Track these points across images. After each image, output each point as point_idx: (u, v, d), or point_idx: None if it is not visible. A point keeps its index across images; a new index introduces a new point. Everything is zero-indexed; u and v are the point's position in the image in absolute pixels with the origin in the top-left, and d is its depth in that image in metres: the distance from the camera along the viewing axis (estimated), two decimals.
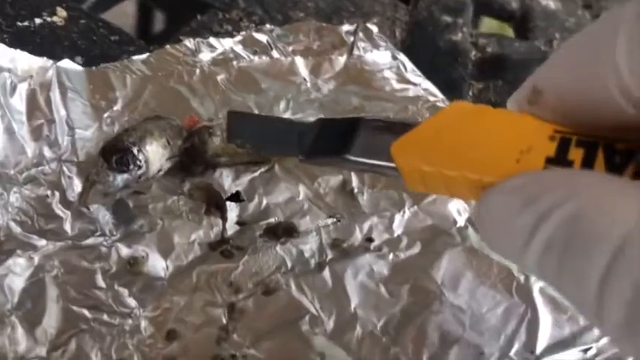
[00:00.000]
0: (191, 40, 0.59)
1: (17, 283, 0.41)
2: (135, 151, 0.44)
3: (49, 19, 0.58)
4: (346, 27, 0.63)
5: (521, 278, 0.46)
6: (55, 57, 0.53)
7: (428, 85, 0.59)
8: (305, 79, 0.59)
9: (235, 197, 0.48)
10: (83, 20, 0.59)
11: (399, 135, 0.29)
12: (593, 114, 0.24)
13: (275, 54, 0.60)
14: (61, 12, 0.59)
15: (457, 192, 0.28)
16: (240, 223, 0.47)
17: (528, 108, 0.26)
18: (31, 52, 0.52)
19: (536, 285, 0.46)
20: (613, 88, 0.23)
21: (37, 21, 0.58)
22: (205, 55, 0.58)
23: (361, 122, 0.31)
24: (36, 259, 0.42)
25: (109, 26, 0.60)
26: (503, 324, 0.44)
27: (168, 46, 0.58)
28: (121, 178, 0.44)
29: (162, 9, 0.78)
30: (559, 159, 0.24)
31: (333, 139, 0.32)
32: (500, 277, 0.46)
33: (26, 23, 0.57)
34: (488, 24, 0.81)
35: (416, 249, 0.47)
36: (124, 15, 0.81)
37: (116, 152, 0.43)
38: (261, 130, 0.36)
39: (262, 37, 0.61)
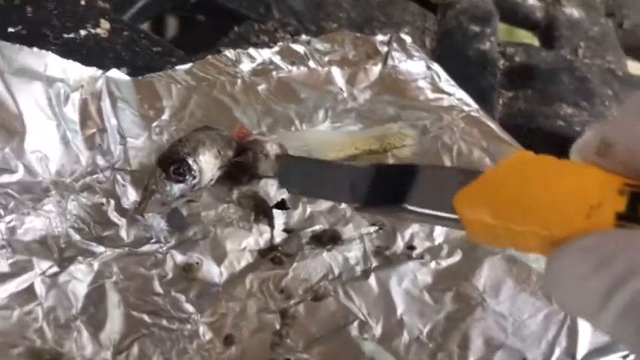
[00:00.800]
0: (231, 50, 0.60)
1: (80, 288, 0.42)
2: (190, 161, 0.46)
3: (93, 30, 0.60)
4: (380, 37, 0.65)
5: None
6: (102, 68, 0.54)
7: (462, 94, 0.61)
8: (342, 89, 0.61)
9: (281, 205, 0.50)
10: (126, 32, 0.61)
11: (458, 184, 0.28)
12: None
13: (312, 64, 0.62)
14: (105, 24, 0.61)
15: (524, 246, 0.27)
16: (287, 230, 0.49)
17: (596, 160, 0.25)
18: (79, 63, 0.54)
19: None
20: None
21: (82, 33, 0.59)
22: (246, 66, 0.60)
23: (419, 170, 0.31)
24: (95, 266, 0.44)
25: (150, 38, 0.61)
26: (544, 330, 0.45)
27: (209, 57, 0.59)
28: (177, 188, 0.45)
29: (174, 16, 0.79)
30: (630, 215, 0.24)
31: (390, 188, 0.31)
32: (540, 285, 0.48)
33: (72, 35, 0.59)
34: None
35: (457, 257, 0.49)
36: None
37: (173, 163, 0.45)
38: (311, 176, 0.35)
39: (299, 48, 0.62)
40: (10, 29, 0.58)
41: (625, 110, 0.26)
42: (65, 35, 0.59)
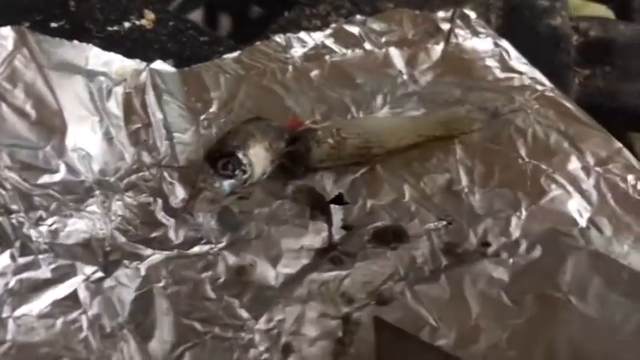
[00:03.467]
0: (281, 35, 0.57)
1: (126, 295, 0.39)
2: (240, 155, 0.42)
3: (137, 22, 0.58)
4: (442, 14, 0.60)
5: None
6: (147, 60, 0.51)
7: (535, 73, 0.55)
8: (401, 72, 0.56)
9: (339, 200, 0.46)
10: (172, 22, 0.58)
11: None
12: None
13: (368, 46, 0.57)
14: (149, 15, 0.58)
15: None
16: (346, 227, 0.45)
17: None
18: (124, 56, 0.51)
19: None
20: None
21: (127, 25, 0.57)
22: (297, 51, 0.56)
23: None
24: (142, 270, 0.41)
25: (197, 27, 0.59)
26: None
27: (258, 43, 0.56)
28: (227, 184, 0.42)
29: (227, 12, 0.76)
30: None
31: None
32: (633, 284, 0.42)
33: (116, 27, 0.57)
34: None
35: (536, 253, 0.44)
36: None
37: (221, 157, 0.42)
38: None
39: (354, 29, 0.58)
40: (53, 24, 0.57)
41: None
42: (109, 28, 0.57)
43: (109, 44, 0.54)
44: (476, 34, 0.58)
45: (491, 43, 0.57)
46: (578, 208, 0.46)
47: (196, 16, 0.80)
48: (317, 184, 0.47)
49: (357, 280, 0.42)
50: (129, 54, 0.52)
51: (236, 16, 0.74)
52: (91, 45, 0.49)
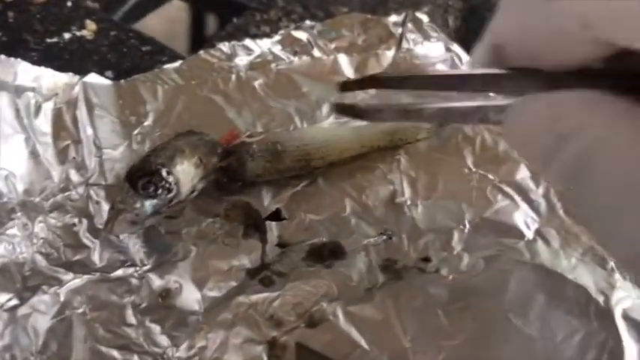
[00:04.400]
0: (226, 43, 0.55)
1: (42, 322, 0.38)
2: (164, 173, 0.40)
3: (78, 33, 0.55)
4: (393, 18, 0.58)
5: (601, 300, 0.40)
6: (85, 73, 0.50)
7: None
8: (349, 79, 0.54)
9: (276, 216, 0.44)
10: (113, 32, 0.56)
11: None
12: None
13: (316, 53, 0.55)
14: (91, 25, 0.56)
15: None
16: (281, 244, 0.43)
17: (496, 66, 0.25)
18: (60, 68, 0.49)
19: (619, 308, 0.40)
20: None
21: (66, 36, 0.55)
22: (242, 60, 0.54)
23: None
24: (62, 295, 0.39)
25: (140, 36, 0.56)
26: (582, 354, 0.38)
27: (201, 52, 0.54)
28: (149, 204, 0.40)
29: (212, 11, 0.74)
30: None
31: None
32: (576, 300, 0.41)
33: (55, 39, 0.55)
34: None
35: (479, 268, 0.42)
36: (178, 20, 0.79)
37: (142, 176, 0.40)
38: None
39: (302, 35, 0.56)
40: None
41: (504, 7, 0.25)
42: (48, 40, 0.55)
43: (46, 57, 0.53)
44: (427, 38, 0.56)
45: (442, 47, 0.55)
46: (525, 220, 0.45)
47: (183, 18, 0.79)
48: (255, 199, 0.45)
49: (288, 301, 0.40)
50: (67, 66, 0.51)
51: (222, 17, 0.73)
52: (19, 60, 0.47)
